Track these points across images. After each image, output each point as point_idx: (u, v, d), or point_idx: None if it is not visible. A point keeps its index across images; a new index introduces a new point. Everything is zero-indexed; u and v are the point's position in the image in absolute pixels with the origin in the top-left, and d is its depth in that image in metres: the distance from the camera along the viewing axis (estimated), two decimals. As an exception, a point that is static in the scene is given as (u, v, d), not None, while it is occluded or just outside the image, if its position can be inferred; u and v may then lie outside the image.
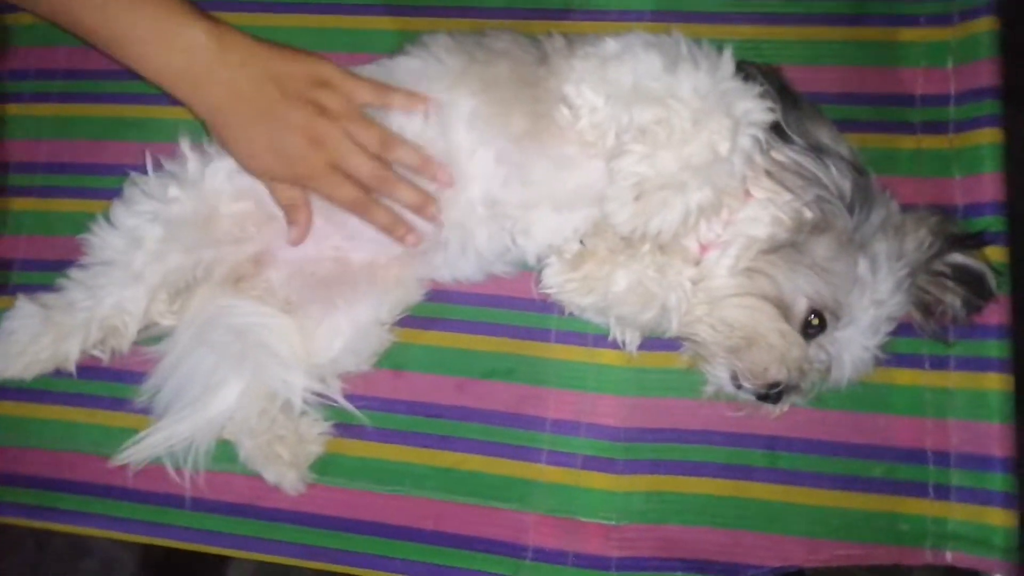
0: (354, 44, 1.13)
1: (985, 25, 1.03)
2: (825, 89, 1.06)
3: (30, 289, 1.02)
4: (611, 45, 0.90)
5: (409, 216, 0.95)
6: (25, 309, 0.98)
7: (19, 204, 1.16)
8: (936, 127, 1.04)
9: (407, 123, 0.94)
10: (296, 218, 0.95)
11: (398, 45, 1.02)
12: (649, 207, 0.83)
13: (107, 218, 0.97)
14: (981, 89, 1.01)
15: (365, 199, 0.92)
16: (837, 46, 1.08)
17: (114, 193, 1.01)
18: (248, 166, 0.92)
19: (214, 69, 0.87)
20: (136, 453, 0.98)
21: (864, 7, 1.08)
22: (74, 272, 0.99)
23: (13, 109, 1.19)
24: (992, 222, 0.98)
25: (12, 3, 0.88)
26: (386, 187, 0.92)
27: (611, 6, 1.12)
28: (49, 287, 1.00)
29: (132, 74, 1.07)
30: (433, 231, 0.96)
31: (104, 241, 0.97)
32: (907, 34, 1.07)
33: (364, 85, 0.93)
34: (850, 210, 0.86)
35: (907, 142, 1.04)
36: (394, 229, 0.94)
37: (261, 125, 0.89)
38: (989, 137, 1.00)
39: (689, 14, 1.10)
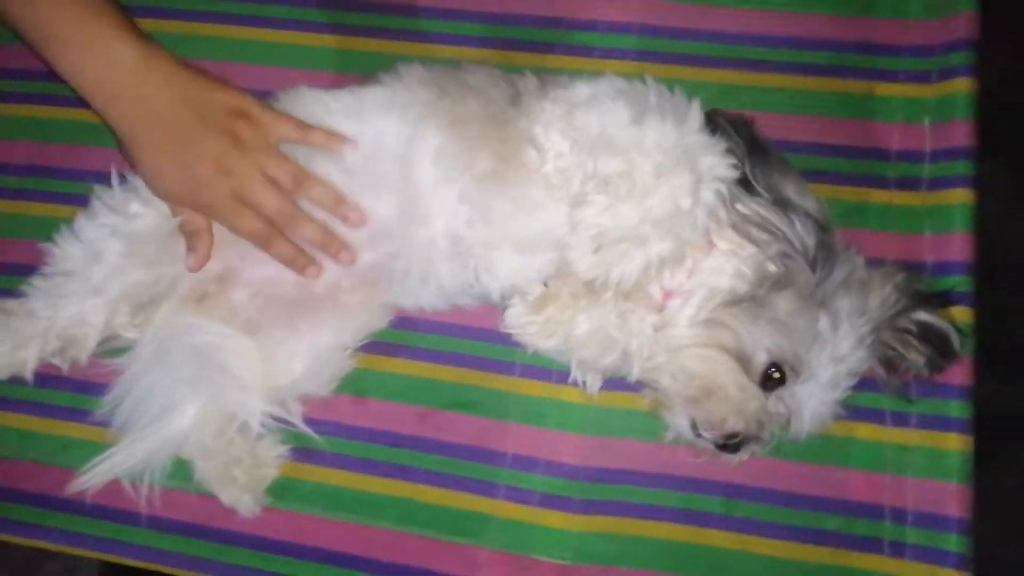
0: (341, 65, 1.14)
1: (963, 86, 1.04)
2: (801, 138, 1.07)
3: (-2, 292, 1.01)
4: (582, 90, 0.91)
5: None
6: (-15, 314, 0.97)
7: (-11, 206, 1.15)
8: (910, 183, 1.04)
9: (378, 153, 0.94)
10: (195, 245, 0.95)
11: (381, 68, 1.02)
12: (609, 258, 0.83)
13: (70, 228, 0.97)
14: (956, 149, 1.03)
15: (267, 232, 0.93)
16: (816, 96, 1.08)
17: (86, 200, 1.00)
18: (153, 186, 0.93)
19: (134, 85, 0.88)
20: (95, 477, 0.97)
21: (844, 59, 1.09)
22: (36, 280, 0.98)
23: (-7, 108, 1.19)
24: (959, 282, 0.98)
25: None
26: (290, 224, 0.93)
27: (595, 43, 1.13)
28: (14, 292, 1.00)
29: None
30: (385, 260, 0.96)
31: (65, 252, 0.97)
32: (885, 89, 1.08)
33: (284, 120, 0.94)
34: (812, 267, 0.86)
35: (880, 196, 1.05)
36: (294, 261, 0.95)
37: (172, 147, 0.89)
38: (961, 197, 1.01)
39: (672, 56, 1.11)
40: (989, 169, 1.21)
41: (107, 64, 0.87)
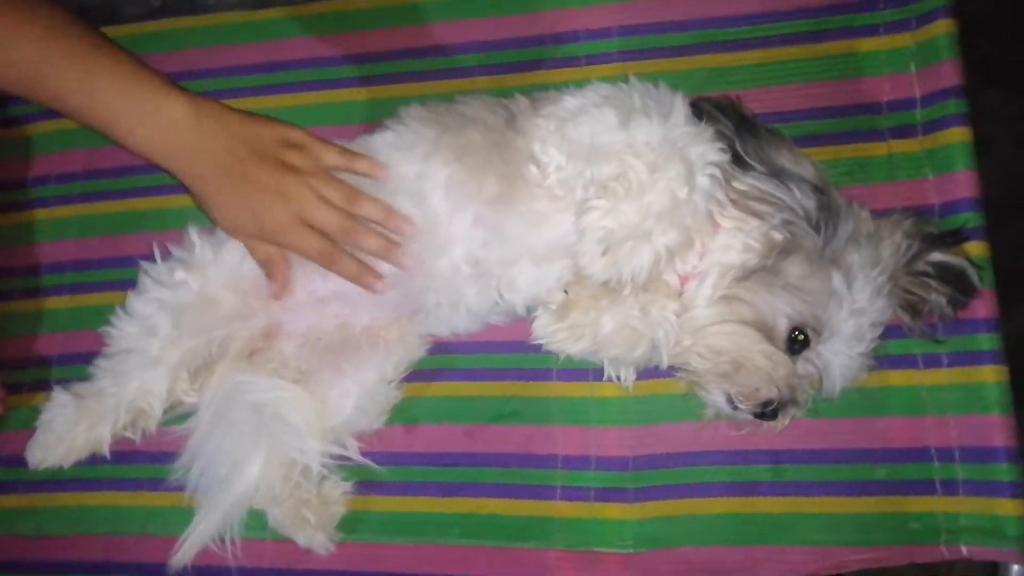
0: (337, 117, 1.20)
1: (943, 28, 1.05)
2: (794, 107, 1.10)
3: (70, 383, 1.08)
4: (569, 103, 0.94)
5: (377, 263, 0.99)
6: (60, 400, 1.05)
7: (52, 303, 1.24)
8: (905, 131, 1.06)
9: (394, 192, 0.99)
10: (273, 273, 1.00)
11: (379, 113, 1.08)
12: (619, 258, 0.86)
13: (123, 308, 1.04)
14: (945, 89, 1.04)
15: (332, 250, 0.97)
16: (801, 64, 1.11)
17: (136, 284, 1.06)
18: (223, 225, 0.98)
19: (191, 139, 0.92)
20: (188, 550, 1.03)
21: (823, 24, 1.11)
22: (101, 361, 1.05)
23: (39, 214, 1.28)
24: (968, 218, 1.00)
25: (10, 94, 0.93)
26: (352, 236, 0.97)
27: (580, 52, 1.17)
28: (86, 379, 1.06)
29: (144, 168, 1.16)
30: (417, 294, 1.01)
31: (122, 331, 1.03)
32: (868, 44, 1.10)
33: (331, 148, 0.98)
34: (816, 228, 0.88)
35: (878, 149, 1.06)
36: (361, 277, 0.98)
37: (233, 185, 0.94)
38: (958, 136, 1.02)
39: (654, 50, 1.15)
40: (997, 99, 1.22)
41: (164, 126, 0.91)
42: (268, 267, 1.00)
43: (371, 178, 0.99)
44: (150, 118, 0.91)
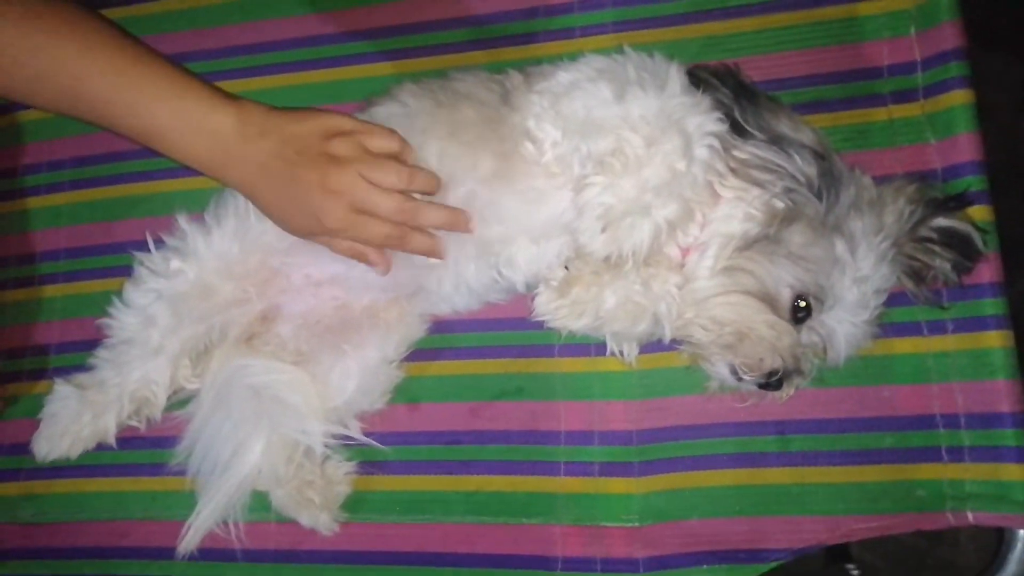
0: (329, 96, 1.19)
1: (942, -13, 1.03)
2: (793, 74, 1.08)
3: (67, 370, 1.09)
4: (562, 77, 0.93)
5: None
6: (62, 392, 1.05)
7: (48, 291, 1.23)
8: (906, 95, 1.05)
9: None
10: (369, 260, 0.96)
11: (370, 92, 1.07)
12: (619, 234, 0.85)
13: (121, 299, 1.04)
14: (946, 52, 1.02)
15: (398, 232, 0.93)
16: (799, 30, 1.09)
17: (131, 269, 1.06)
18: (288, 230, 0.95)
19: (237, 148, 0.89)
20: (193, 537, 1.03)
21: (820, -13, 1.09)
22: (101, 352, 1.05)
23: (32, 202, 1.27)
24: (972, 182, 0.98)
25: (49, 111, 0.93)
26: (413, 217, 0.93)
27: (575, 24, 1.15)
28: (84, 367, 1.07)
29: (135, 154, 1.15)
30: (421, 271, 1.00)
31: (122, 322, 1.03)
32: (866, 8, 1.08)
33: (377, 131, 0.94)
34: (818, 196, 0.87)
35: (879, 114, 1.05)
36: (433, 250, 0.96)
37: (286, 190, 0.91)
38: (960, 98, 1.01)
39: (649, 20, 1.13)
40: (999, 64, 1.20)
41: (210, 137, 0.89)
42: (361, 258, 0.96)
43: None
44: (195, 131, 0.88)
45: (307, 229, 0.93)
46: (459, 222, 0.95)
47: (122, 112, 0.88)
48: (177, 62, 0.90)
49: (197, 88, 0.89)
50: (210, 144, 0.89)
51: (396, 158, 0.94)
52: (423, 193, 0.94)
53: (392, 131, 0.95)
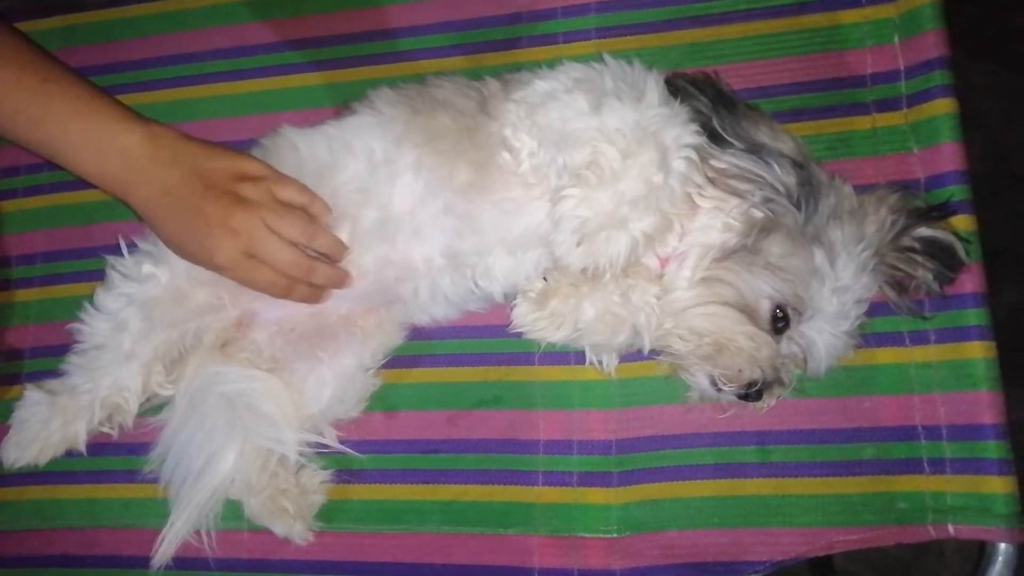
0: (307, 101, 1.18)
1: (926, -3, 1.03)
2: (776, 81, 1.07)
3: (42, 375, 1.08)
4: (539, 86, 0.92)
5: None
6: (33, 397, 1.03)
7: (23, 295, 1.22)
8: (890, 104, 1.04)
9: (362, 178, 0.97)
10: (332, 284, 0.99)
11: (350, 97, 1.05)
12: (595, 247, 0.85)
13: (92, 304, 1.02)
14: (930, 61, 1.02)
15: (284, 283, 0.95)
16: (783, 37, 1.09)
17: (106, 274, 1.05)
18: (179, 255, 0.96)
19: (145, 169, 0.91)
20: (167, 549, 1.02)
21: (804, -5, 1.09)
22: (73, 357, 1.03)
23: (8, 206, 1.26)
24: (955, 191, 0.98)
25: None
26: (306, 274, 0.95)
27: (558, 30, 1.14)
28: (57, 372, 1.05)
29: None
30: (392, 284, 0.99)
31: (93, 327, 1.01)
32: (850, 16, 1.08)
33: (288, 182, 0.96)
34: (797, 205, 0.87)
35: (863, 123, 1.04)
36: (312, 300, 0.98)
37: (184, 217, 0.92)
38: (943, 108, 1.00)
39: (632, 26, 1.12)
40: (987, 73, 1.20)
41: (119, 156, 0.90)
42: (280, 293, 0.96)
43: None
44: (102, 150, 0.90)
45: (195, 259, 0.95)
46: (344, 283, 0.98)
47: (30, 130, 0.90)
48: (87, 78, 0.92)
49: (107, 106, 0.91)
50: (118, 162, 0.91)
51: (305, 211, 0.95)
52: (324, 256, 0.96)
53: (303, 185, 0.96)
